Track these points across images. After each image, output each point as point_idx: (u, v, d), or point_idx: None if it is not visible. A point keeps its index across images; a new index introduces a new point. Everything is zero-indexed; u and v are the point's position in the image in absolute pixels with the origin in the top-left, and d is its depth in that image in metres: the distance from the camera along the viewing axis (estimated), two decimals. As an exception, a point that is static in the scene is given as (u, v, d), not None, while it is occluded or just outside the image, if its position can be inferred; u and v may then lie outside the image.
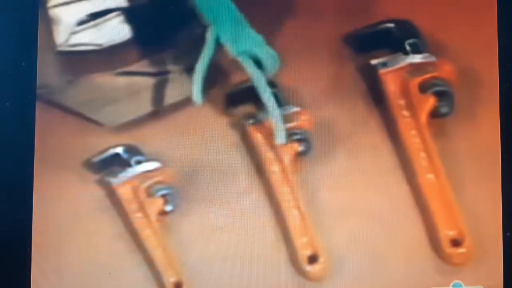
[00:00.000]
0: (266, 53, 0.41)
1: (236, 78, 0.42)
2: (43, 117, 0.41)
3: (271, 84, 0.42)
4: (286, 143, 0.41)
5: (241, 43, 0.40)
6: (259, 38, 0.41)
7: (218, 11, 0.41)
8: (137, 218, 0.41)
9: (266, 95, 0.40)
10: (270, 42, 0.42)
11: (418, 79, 0.42)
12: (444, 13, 0.43)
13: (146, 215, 0.42)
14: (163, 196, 0.42)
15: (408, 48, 0.42)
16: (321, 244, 0.41)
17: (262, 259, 0.41)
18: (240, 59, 0.41)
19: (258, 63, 0.41)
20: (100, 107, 0.42)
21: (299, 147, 0.42)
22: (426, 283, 0.41)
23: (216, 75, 0.41)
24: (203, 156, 0.42)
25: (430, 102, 0.42)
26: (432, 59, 0.42)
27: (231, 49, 0.41)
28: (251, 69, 0.40)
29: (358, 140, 0.42)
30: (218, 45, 0.41)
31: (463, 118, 0.42)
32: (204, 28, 0.42)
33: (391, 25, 0.43)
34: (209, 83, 0.41)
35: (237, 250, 0.41)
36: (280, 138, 0.41)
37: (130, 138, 0.42)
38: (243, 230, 0.41)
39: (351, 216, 0.41)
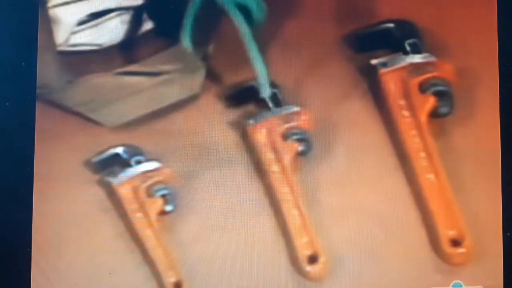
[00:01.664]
0: (253, 2, 0.40)
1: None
2: (43, 117, 0.41)
3: (272, 84, 0.42)
4: (269, 96, 0.41)
5: None
6: None
7: None
8: (137, 218, 0.41)
9: (252, 49, 0.40)
10: (271, 43, 0.42)
11: (418, 79, 0.42)
12: (444, 13, 0.43)
13: (146, 215, 0.42)
14: (163, 196, 0.42)
15: (408, 48, 0.42)
16: (321, 244, 0.41)
17: (262, 259, 0.41)
18: (227, 7, 0.40)
19: (247, 13, 0.40)
20: (100, 107, 0.42)
21: (299, 147, 0.42)
22: (426, 283, 0.41)
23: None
24: (203, 156, 0.42)
25: (430, 102, 0.42)
26: (432, 59, 0.42)
27: None
28: (237, 20, 0.39)
29: (358, 140, 0.42)
30: None
31: (463, 118, 0.42)
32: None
33: (391, 25, 0.43)
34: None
35: (237, 250, 0.41)
36: (264, 91, 0.40)
37: (130, 138, 0.42)
38: (243, 230, 0.41)
39: (351, 216, 0.41)
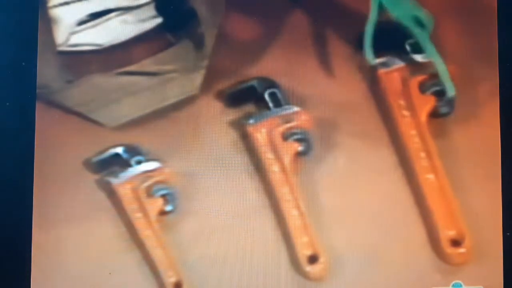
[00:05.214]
0: (423, 14, 0.42)
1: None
2: (43, 117, 0.41)
3: (272, 84, 0.42)
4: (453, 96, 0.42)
5: (400, 6, 0.42)
6: (413, 2, 0.43)
7: None
8: (137, 218, 0.41)
9: (433, 54, 0.42)
10: (271, 42, 0.42)
11: (418, 79, 0.42)
12: (444, 13, 0.43)
13: (146, 215, 0.42)
14: (163, 196, 0.42)
15: (408, 48, 0.42)
16: (321, 244, 0.41)
17: (262, 259, 0.41)
18: (402, 20, 0.42)
19: (419, 23, 0.42)
20: (100, 107, 0.42)
21: (299, 147, 0.42)
22: (426, 283, 0.41)
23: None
24: (203, 156, 0.42)
25: (430, 102, 0.42)
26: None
27: (392, 12, 0.42)
28: (413, 28, 0.42)
29: (358, 140, 0.42)
30: (381, 10, 0.42)
31: (463, 118, 0.42)
32: (202, 28, 0.42)
33: (391, 25, 0.43)
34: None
35: (237, 250, 0.41)
36: (450, 90, 0.42)
37: (130, 138, 0.42)
38: (243, 230, 0.41)
39: (351, 216, 0.41)
